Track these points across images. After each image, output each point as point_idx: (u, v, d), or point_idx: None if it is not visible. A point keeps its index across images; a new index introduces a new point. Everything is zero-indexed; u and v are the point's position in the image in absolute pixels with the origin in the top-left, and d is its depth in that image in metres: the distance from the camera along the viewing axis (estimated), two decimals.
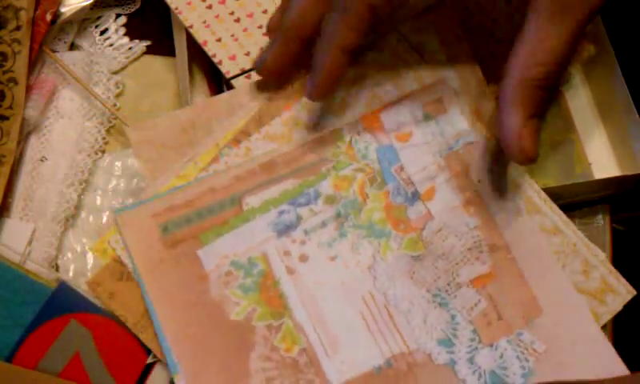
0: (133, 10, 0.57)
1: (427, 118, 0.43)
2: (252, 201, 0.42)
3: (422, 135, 0.43)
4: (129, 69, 0.56)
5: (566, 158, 0.51)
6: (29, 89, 0.52)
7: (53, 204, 0.50)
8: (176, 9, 0.52)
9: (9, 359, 0.45)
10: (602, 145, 0.53)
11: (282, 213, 0.42)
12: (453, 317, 0.40)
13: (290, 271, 0.41)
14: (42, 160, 0.52)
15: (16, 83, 0.51)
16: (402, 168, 0.42)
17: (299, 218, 0.42)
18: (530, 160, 0.38)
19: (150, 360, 0.46)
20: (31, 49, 0.52)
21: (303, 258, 0.41)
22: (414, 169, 0.43)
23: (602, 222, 0.51)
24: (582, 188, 0.50)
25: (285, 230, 0.42)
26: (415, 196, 0.42)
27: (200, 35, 0.52)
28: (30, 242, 0.49)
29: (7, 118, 0.50)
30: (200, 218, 0.42)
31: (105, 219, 0.51)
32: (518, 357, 0.40)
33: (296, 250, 0.42)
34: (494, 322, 0.40)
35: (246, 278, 0.41)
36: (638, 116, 0.49)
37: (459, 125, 0.43)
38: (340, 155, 0.43)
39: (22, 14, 0.51)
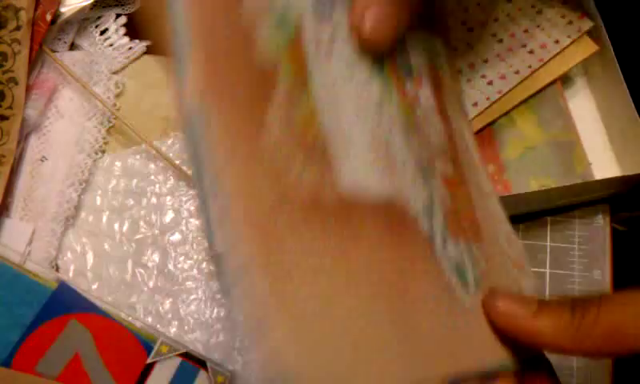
0: (133, 10, 0.57)
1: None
2: None
3: (418, 38, 0.42)
4: (129, 69, 0.56)
5: (566, 158, 0.51)
6: (29, 89, 0.52)
7: (53, 204, 0.50)
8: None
9: (9, 359, 0.45)
10: (602, 145, 0.53)
11: None
12: (430, 196, 0.39)
13: (316, 58, 0.36)
14: (41, 160, 0.52)
15: (16, 83, 0.51)
16: (406, 42, 0.41)
17: (331, 14, 0.37)
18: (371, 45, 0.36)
19: (150, 360, 0.46)
20: (31, 49, 0.52)
21: (329, 57, 0.37)
22: (412, 50, 0.41)
23: (601, 221, 0.51)
24: (582, 188, 0.50)
25: (320, 14, 0.37)
26: (410, 74, 0.40)
27: None
28: (30, 242, 0.49)
29: (7, 118, 0.50)
30: None
31: (105, 219, 0.51)
32: (472, 266, 0.40)
33: (324, 45, 0.37)
34: (455, 224, 0.39)
35: (279, 25, 0.35)
36: (638, 116, 0.49)
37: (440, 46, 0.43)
38: None
39: (22, 14, 0.52)
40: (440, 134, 0.40)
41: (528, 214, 0.51)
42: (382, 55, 0.38)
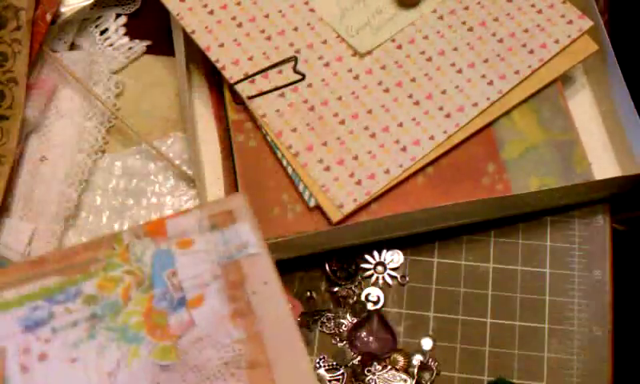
0: (133, 10, 0.58)
1: (213, 228, 0.43)
2: (8, 295, 0.41)
3: (205, 243, 0.43)
4: (129, 68, 0.56)
5: (566, 158, 0.51)
6: (29, 89, 0.52)
7: (53, 204, 0.50)
8: (177, 15, 0.52)
9: None
10: (602, 144, 0.53)
11: (35, 308, 0.40)
12: None
13: (24, 369, 0.39)
14: (42, 160, 0.52)
15: (16, 83, 0.51)
16: (174, 273, 0.42)
17: (51, 316, 0.40)
18: None
19: None
20: (31, 49, 0.52)
21: (42, 357, 0.39)
22: (187, 275, 0.42)
23: (601, 221, 0.51)
24: (582, 188, 0.50)
25: (33, 326, 0.40)
26: (181, 302, 0.41)
27: (202, 41, 0.51)
28: (29, 242, 0.49)
29: (7, 118, 0.50)
30: None
31: (105, 219, 0.51)
32: None
33: (37, 348, 0.39)
34: None
35: None
36: (639, 117, 0.50)
37: (244, 236, 0.43)
38: (113, 257, 0.42)
39: (22, 14, 0.52)
40: (226, 345, 0.40)
41: (528, 214, 0.51)
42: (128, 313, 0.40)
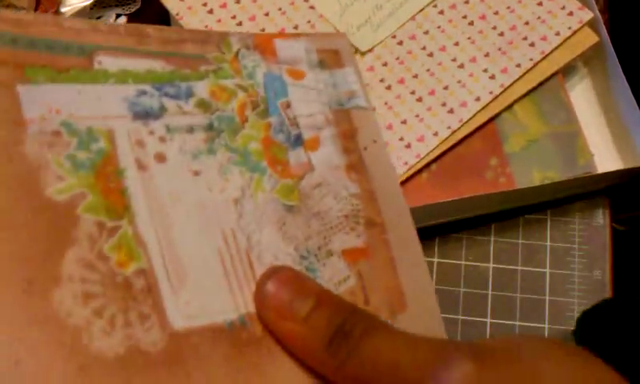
0: (133, 10, 0.57)
1: (322, 65, 0.39)
2: (107, 62, 0.33)
3: (315, 80, 0.39)
4: None
5: (568, 150, 0.51)
6: None
7: None
8: (177, 14, 0.52)
9: None
10: (603, 136, 0.54)
11: (142, 93, 0.33)
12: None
13: (142, 166, 0.32)
14: None
15: None
16: (288, 105, 0.37)
17: (163, 109, 0.34)
18: None
19: None
20: None
21: (160, 158, 0.33)
22: (302, 111, 0.37)
23: (602, 221, 0.51)
24: (585, 181, 0.50)
25: (143, 115, 0.33)
26: (298, 140, 0.37)
27: None
28: None
29: None
30: (31, 47, 0.31)
31: None
32: None
33: (153, 145, 0.33)
34: (359, 306, 0.35)
35: (79, 150, 0.31)
36: (638, 107, 0.50)
37: (352, 85, 0.40)
38: (223, 63, 0.37)
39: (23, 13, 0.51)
40: (347, 194, 0.37)
41: (528, 214, 0.51)
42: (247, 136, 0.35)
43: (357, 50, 0.52)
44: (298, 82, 0.38)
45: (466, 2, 0.54)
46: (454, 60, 0.52)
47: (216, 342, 0.31)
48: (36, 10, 0.53)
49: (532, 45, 0.52)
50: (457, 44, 0.53)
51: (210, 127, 0.35)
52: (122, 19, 0.57)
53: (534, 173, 0.50)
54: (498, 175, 0.50)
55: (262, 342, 0.32)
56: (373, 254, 0.36)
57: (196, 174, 0.33)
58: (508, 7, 0.54)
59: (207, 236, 0.33)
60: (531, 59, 0.52)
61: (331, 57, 0.40)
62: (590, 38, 0.53)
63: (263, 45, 0.38)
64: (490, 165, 0.50)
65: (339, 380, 0.29)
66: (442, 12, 0.54)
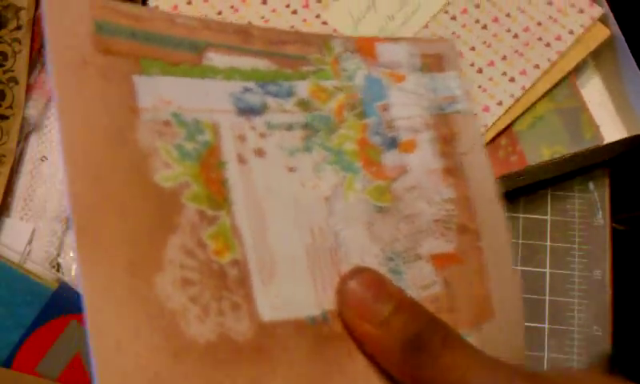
0: None
1: (423, 68, 0.39)
2: (216, 59, 0.34)
3: (415, 84, 0.39)
4: None
5: (574, 125, 0.52)
6: (29, 88, 0.52)
7: (53, 203, 0.50)
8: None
9: (10, 359, 0.45)
10: (606, 108, 0.54)
11: (247, 90, 0.34)
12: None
13: (242, 160, 0.33)
14: (42, 159, 0.52)
15: (16, 83, 0.51)
16: (386, 107, 0.37)
17: (265, 107, 0.34)
18: None
19: None
20: (32, 48, 0.52)
21: (260, 153, 0.33)
22: (400, 114, 0.37)
23: (602, 221, 0.51)
24: (592, 153, 0.51)
25: (247, 110, 0.34)
26: (394, 142, 0.37)
27: None
28: (30, 242, 0.49)
29: (7, 118, 0.50)
30: (148, 41, 0.32)
31: None
32: None
33: (253, 140, 0.33)
34: (443, 312, 0.35)
35: (187, 140, 0.32)
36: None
37: (454, 89, 0.40)
38: (324, 65, 0.37)
39: (23, 13, 0.51)
40: (438, 202, 0.37)
41: (528, 214, 0.52)
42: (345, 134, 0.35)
43: None
44: (398, 85, 0.38)
45: (477, 6, 0.53)
46: (472, 65, 0.52)
47: (300, 335, 0.31)
48: (36, 9, 0.53)
49: (548, 45, 0.52)
50: (473, 49, 0.52)
51: (307, 126, 0.35)
52: None
53: (542, 149, 0.50)
54: (509, 154, 0.50)
55: (343, 339, 0.32)
56: (463, 261, 0.36)
57: (291, 170, 0.34)
58: (518, 8, 0.53)
59: (297, 231, 0.33)
60: (549, 59, 0.52)
61: (434, 61, 0.40)
62: (602, 33, 0.52)
63: (365, 48, 0.39)
64: (501, 144, 0.50)
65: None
66: (454, 17, 0.53)
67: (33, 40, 0.52)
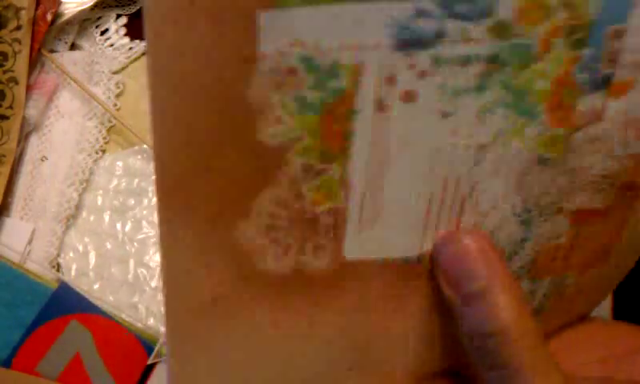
0: (133, 11, 0.57)
1: None
2: None
3: None
4: (129, 69, 0.56)
5: None
6: (29, 88, 0.52)
7: (53, 204, 0.50)
8: None
9: (9, 359, 0.45)
10: None
11: (422, 13, 0.26)
12: (522, 240, 0.31)
13: (381, 108, 0.27)
14: (42, 159, 0.52)
15: (16, 83, 0.51)
16: (620, 33, 0.29)
17: (441, 34, 0.26)
18: None
19: (150, 361, 0.45)
20: (32, 48, 0.52)
21: (409, 97, 0.27)
22: (634, 44, 0.29)
23: None
24: None
25: (411, 42, 0.26)
26: (604, 82, 0.29)
27: None
28: (30, 242, 0.49)
29: (7, 118, 0.50)
30: None
31: (107, 219, 0.51)
32: (545, 295, 0.33)
33: (407, 80, 0.27)
34: (557, 261, 0.32)
35: (313, 90, 0.27)
36: None
37: None
38: None
39: (23, 13, 0.51)
40: (613, 157, 0.31)
41: None
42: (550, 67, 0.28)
43: None
44: None
45: None
46: None
47: (384, 269, 0.30)
48: (36, 9, 0.53)
49: None
50: None
51: (493, 58, 0.28)
52: (123, 20, 0.57)
53: None
54: None
55: (425, 278, 0.31)
56: (607, 216, 0.32)
57: (445, 115, 0.28)
58: None
59: (424, 183, 0.29)
60: None
61: None
62: None
63: None
64: None
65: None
66: None
67: (33, 40, 0.52)
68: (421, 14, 0.25)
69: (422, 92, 0.27)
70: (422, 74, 0.27)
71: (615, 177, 0.31)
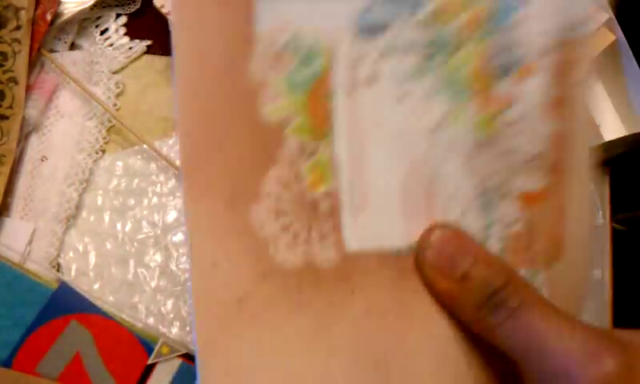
0: (133, 10, 0.57)
1: None
2: None
3: (550, 4, 0.35)
4: (129, 68, 0.56)
5: None
6: (29, 88, 0.52)
7: (53, 204, 0.50)
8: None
9: (10, 359, 0.45)
10: (605, 107, 0.54)
11: (370, 8, 0.31)
12: (488, 226, 0.34)
13: (351, 89, 0.31)
14: (42, 159, 0.51)
15: (16, 83, 0.51)
16: (520, 21, 0.34)
17: (386, 25, 0.31)
18: None
19: (150, 361, 0.45)
20: (31, 48, 0.52)
21: (371, 81, 0.32)
22: (533, 28, 0.34)
23: (601, 221, 0.51)
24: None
25: (367, 31, 0.31)
26: (513, 67, 0.34)
27: None
28: (30, 242, 0.49)
29: (7, 118, 0.50)
30: None
31: (107, 219, 0.51)
32: None
33: (368, 66, 0.31)
34: (520, 251, 0.34)
35: (298, 71, 0.31)
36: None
37: (583, 10, 0.36)
38: None
39: (23, 13, 0.51)
40: (538, 137, 0.34)
41: None
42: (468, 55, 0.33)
43: None
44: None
45: None
46: None
47: (383, 265, 0.32)
48: (36, 9, 0.53)
49: None
50: None
51: (430, 44, 0.32)
52: (123, 19, 0.57)
53: None
54: None
55: None
56: (547, 199, 0.35)
57: (399, 100, 0.32)
58: None
59: (396, 163, 0.33)
60: None
61: None
62: (607, 38, 0.52)
63: None
64: None
65: (487, 338, 0.30)
66: None
67: (33, 40, 0.52)
68: (369, 8, 0.31)
69: (381, 76, 0.32)
70: (379, 58, 0.31)
71: (544, 158, 0.34)
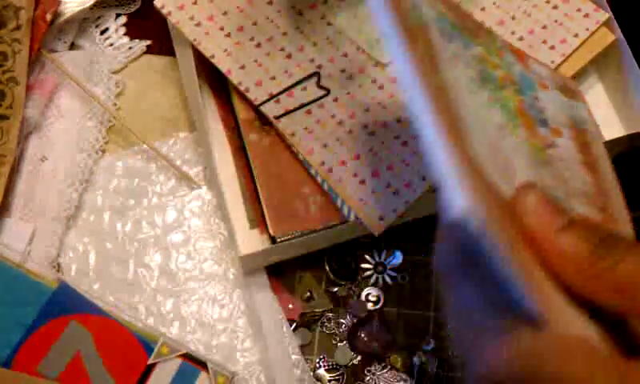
0: (133, 10, 0.57)
1: (562, 91, 0.42)
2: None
3: (556, 97, 0.41)
4: (129, 68, 0.56)
5: None
6: (29, 88, 0.52)
7: (53, 204, 0.50)
8: (194, 40, 0.50)
9: (10, 359, 0.45)
10: (606, 107, 0.54)
11: (443, 16, 0.37)
12: None
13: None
14: (42, 160, 0.52)
15: (16, 83, 0.51)
16: (537, 97, 0.40)
17: (452, 37, 0.37)
18: None
19: (150, 361, 0.46)
20: (31, 48, 0.52)
21: (452, 65, 0.35)
22: (546, 106, 0.40)
23: None
24: None
25: (441, 34, 0.36)
26: (545, 123, 0.39)
27: (223, 65, 0.50)
28: (30, 242, 0.49)
29: (7, 118, 0.50)
30: None
31: (107, 219, 0.51)
32: None
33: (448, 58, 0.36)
34: None
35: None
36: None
37: (585, 116, 0.42)
38: (490, 46, 0.39)
39: (22, 13, 0.51)
40: (583, 181, 0.37)
41: None
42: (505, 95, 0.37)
43: (377, 63, 0.51)
44: (545, 91, 0.41)
45: (483, 10, 0.53)
46: None
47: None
48: (36, 9, 0.53)
49: (552, 48, 0.52)
50: None
51: (480, 74, 0.37)
52: (123, 19, 0.57)
53: None
54: None
55: None
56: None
57: (471, 93, 0.35)
58: (525, 12, 0.53)
59: (482, 138, 0.34)
60: (552, 62, 0.51)
61: (569, 91, 0.43)
62: (606, 38, 0.52)
63: (518, 54, 0.42)
64: None
65: (595, 289, 0.29)
66: None
67: (32, 40, 0.52)
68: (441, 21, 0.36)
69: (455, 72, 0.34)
70: (450, 60, 0.34)
71: (591, 198, 0.37)
